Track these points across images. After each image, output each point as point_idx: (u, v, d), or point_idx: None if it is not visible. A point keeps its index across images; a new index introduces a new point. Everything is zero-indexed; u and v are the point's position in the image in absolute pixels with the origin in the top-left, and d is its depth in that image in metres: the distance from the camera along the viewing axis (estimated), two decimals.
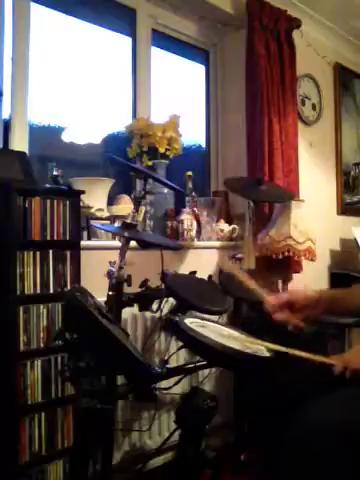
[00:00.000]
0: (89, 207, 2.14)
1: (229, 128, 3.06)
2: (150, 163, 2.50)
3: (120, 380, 1.67)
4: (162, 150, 2.47)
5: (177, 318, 1.49)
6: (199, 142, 3.09)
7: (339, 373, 1.24)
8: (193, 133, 3.02)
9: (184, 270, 2.26)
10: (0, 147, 2.06)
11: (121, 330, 1.49)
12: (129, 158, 2.54)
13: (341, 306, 1.47)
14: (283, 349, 1.33)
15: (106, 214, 2.24)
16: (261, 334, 1.48)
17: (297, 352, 1.29)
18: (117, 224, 2.11)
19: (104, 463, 1.70)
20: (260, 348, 1.41)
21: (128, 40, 2.70)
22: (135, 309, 1.87)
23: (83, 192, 1.89)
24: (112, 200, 2.35)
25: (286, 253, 2.50)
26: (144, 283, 1.83)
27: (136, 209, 1.75)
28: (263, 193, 2.46)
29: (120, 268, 1.67)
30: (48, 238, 1.73)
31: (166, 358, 1.64)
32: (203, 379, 2.26)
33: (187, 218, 2.44)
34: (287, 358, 1.34)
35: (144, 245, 1.77)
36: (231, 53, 3.05)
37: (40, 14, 2.26)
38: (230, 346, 1.35)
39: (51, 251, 1.74)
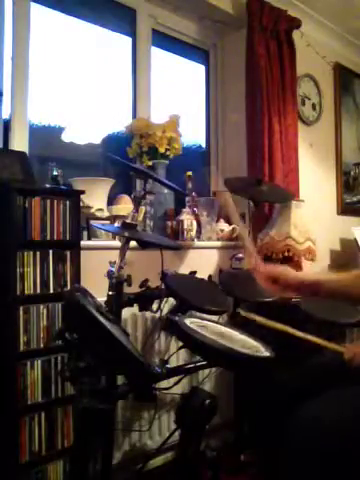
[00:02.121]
0: (89, 207, 2.14)
1: (229, 128, 3.06)
2: (150, 163, 2.50)
3: (120, 380, 1.67)
4: (162, 150, 2.47)
5: (177, 318, 1.49)
6: (199, 142, 3.09)
7: (347, 361, 1.33)
8: (193, 133, 3.02)
9: (184, 270, 2.26)
10: (0, 147, 2.06)
11: (121, 330, 1.49)
12: (129, 158, 2.54)
13: (326, 291, 1.47)
14: (298, 333, 1.41)
15: (106, 214, 2.24)
16: (261, 334, 1.49)
17: (310, 337, 1.39)
18: (117, 224, 2.11)
19: (104, 463, 1.70)
20: (260, 348, 1.41)
21: (128, 40, 2.70)
22: (135, 309, 1.87)
23: (83, 192, 1.89)
24: (112, 200, 2.35)
25: (286, 253, 2.50)
26: (144, 283, 1.83)
27: (136, 209, 1.75)
28: (263, 193, 2.46)
29: (120, 268, 1.67)
30: (48, 238, 1.73)
31: (166, 358, 1.63)
32: (203, 379, 2.27)
33: (187, 218, 2.44)
34: (287, 357, 1.35)
35: (144, 245, 1.77)
36: (231, 53, 3.05)
37: (40, 14, 2.26)
38: (230, 346, 1.36)
39: (51, 251, 1.74)
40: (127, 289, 1.73)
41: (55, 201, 1.75)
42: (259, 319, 1.50)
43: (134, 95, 2.69)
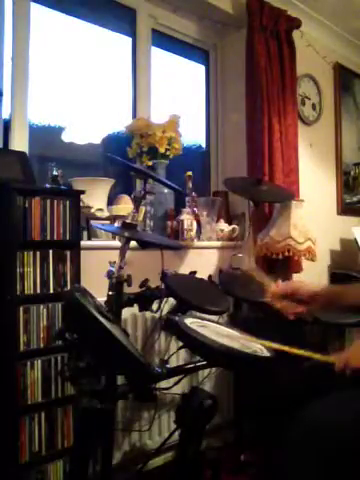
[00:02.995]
0: (89, 207, 2.14)
1: (229, 128, 3.06)
2: (150, 163, 2.50)
3: (120, 380, 1.67)
4: (162, 150, 2.47)
5: (177, 318, 1.49)
6: (199, 142, 3.09)
7: (339, 371, 1.24)
8: (193, 133, 3.02)
9: (184, 270, 2.26)
10: (0, 147, 2.06)
11: (121, 330, 1.49)
12: (129, 158, 2.54)
13: (340, 301, 1.47)
14: (283, 348, 1.34)
15: (106, 214, 2.23)
16: (261, 334, 1.48)
17: (297, 350, 1.30)
18: (117, 224, 2.11)
19: (104, 463, 1.70)
20: (260, 348, 1.41)
21: (128, 40, 2.70)
22: (135, 309, 1.87)
23: (83, 192, 1.89)
24: (112, 200, 2.35)
25: (286, 253, 2.49)
26: (144, 283, 1.83)
27: (136, 209, 1.75)
28: (263, 193, 2.46)
29: (120, 268, 1.67)
30: (48, 238, 1.73)
31: (166, 358, 1.64)
32: (203, 379, 2.27)
33: (187, 218, 2.44)
34: (287, 358, 1.34)
35: (144, 245, 1.77)
36: (231, 53, 3.05)
37: (40, 14, 2.26)
38: (230, 346, 1.36)
39: (51, 251, 1.74)
40: (127, 289, 1.73)
41: (55, 201, 1.75)
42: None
43: (134, 95, 2.69)
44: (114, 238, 2.15)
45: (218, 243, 2.63)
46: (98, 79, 2.53)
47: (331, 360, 1.27)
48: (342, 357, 1.27)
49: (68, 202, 1.79)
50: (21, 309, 1.66)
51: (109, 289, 1.68)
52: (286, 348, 1.33)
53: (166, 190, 2.47)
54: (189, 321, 1.47)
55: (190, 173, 2.58)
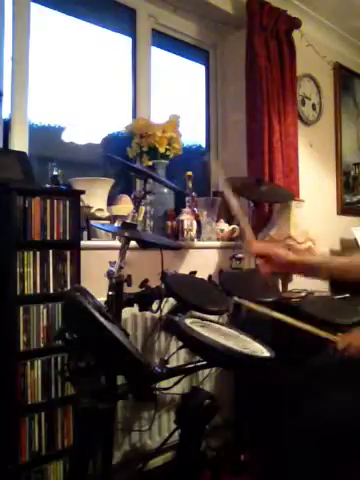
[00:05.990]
0: (89, 207, 2.14)
1: (229, 128, 3.06)
2: (150, 163, 2.50)
3: (120, 380, 1.67)
4: (162, 150, 2.47)
5: (177, 318, 1.49)
6: (199, 142, 3.09)
7: (341, 352, 1.32)
8: (193, 133, 3.02)
9: (184, 270, 2.26)
10: (0, 147, 2.06)
11: (121, 330, 1.49)
12: (129, 158, 2.54)
13: (320, 272, 1.54)
14: (289, 320, 1.42)
15: (106, 214, 2.23)
16: (261, 334, 1.49)
17: (302, 324, 1.40)
18: (117, 224, 2.11)
19: (104, 463, 1.70)
20: (260, 348, 1.41)
21: (128, 40, 2.70)
22: (135, 309, 1.87)
23: (83, 192, 1.89)
24: (112, 200, 2.35)
25: None
26: (144, 283, 1.83)
27: (136, 209, 1.75)
28: (263, 193, 2.46)
29: (120, 268, 1.67)
30: (48, 238, 1.73)
31: (166, 358, 1.63)
32: (203, 379, 2.26)
33: (187, 218, 2.44)
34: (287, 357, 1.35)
35: (144, 245, 1.77)
36: (231, 53, 3.05)
37: (40, 14, 2.26)
38: (230, 346, 1.36)
39: (51, 251, 1.74)
40: (127, 289, 1.73)
41: (55, 201, 1.74)
42: (254, 306, 1.52)
43: (134, 95, 2.69)
44: (114, 238, 2.15)
45: (218, 243, 2.63)
46: (98, 79, 2.53)
47: (335, 339, 1.36)
48: (346, 338, 1.35)
49: (68, 202, 1.78)
50: (21, 309, 1.66)
51: (109, 289, 1.68)
52: (295, 322, 1.41)
53: (166, 190, 2.47)
54: (189, 321, 1.48)
55: (190, 173, 2.58)
